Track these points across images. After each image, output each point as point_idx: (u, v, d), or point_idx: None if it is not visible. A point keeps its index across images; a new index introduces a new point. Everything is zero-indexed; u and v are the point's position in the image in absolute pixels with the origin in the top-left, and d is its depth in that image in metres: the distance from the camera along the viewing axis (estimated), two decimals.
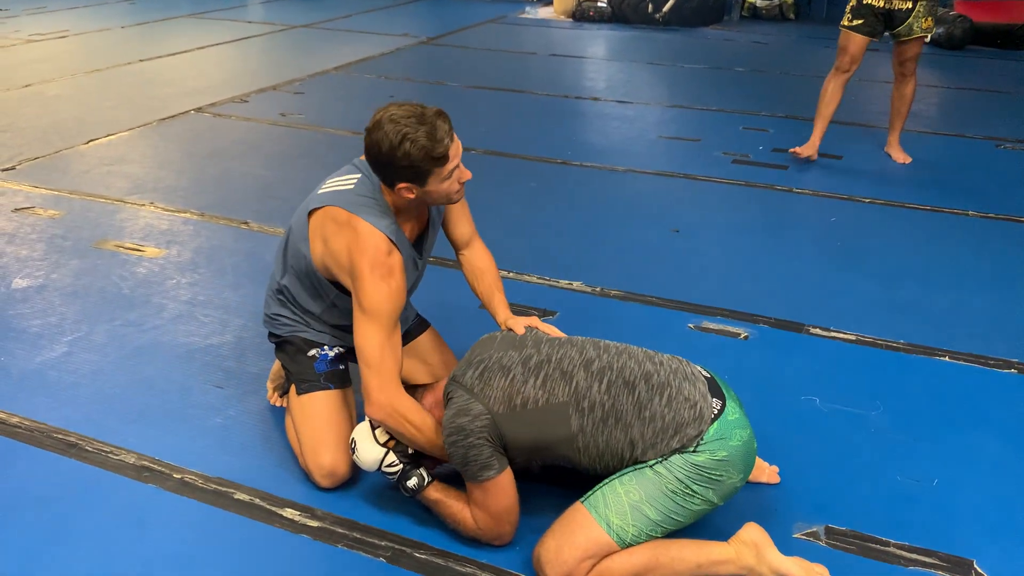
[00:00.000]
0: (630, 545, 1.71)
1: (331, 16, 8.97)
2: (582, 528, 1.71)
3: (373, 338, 1.86)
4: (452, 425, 1.76)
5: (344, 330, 2.13)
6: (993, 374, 2.56)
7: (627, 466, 1.75)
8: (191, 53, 7.04)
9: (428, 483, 1.88)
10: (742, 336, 2.75)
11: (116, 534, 1.90)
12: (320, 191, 2.05)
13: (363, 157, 1.98)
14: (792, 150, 4.37)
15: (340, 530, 1.92)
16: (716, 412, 1.76)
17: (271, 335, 2.24)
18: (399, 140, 1.81)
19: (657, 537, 1.73)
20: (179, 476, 2.07)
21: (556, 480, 2.01)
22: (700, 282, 3.12)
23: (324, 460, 2.01)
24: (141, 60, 6.70)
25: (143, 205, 3.78)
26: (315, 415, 2.07)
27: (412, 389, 2.01)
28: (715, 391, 1.81)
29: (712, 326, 2.81)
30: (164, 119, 5.10)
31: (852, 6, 4.15)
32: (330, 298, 2.09)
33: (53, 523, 1.93)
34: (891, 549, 1.88)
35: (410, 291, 2.16)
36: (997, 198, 3.95)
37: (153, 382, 2.46)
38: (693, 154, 4.60)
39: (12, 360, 2.56)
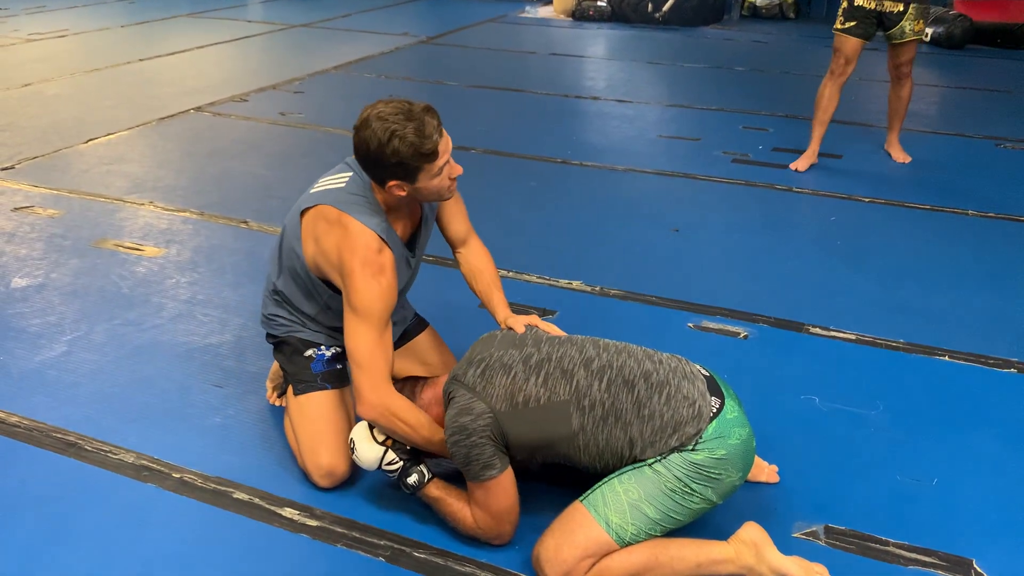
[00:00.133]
0: (629, 544, 1.71)
1: (331, 15, 8.97)
2: (581, 527, 1.71)
3: (364, 337, 1.85)
4: (455, 424, 1.76)
5: (340, 332, 2.11)
6: (993, 373, 2.55)
7: (626, 464, 1.75)
8: (191, 52, 7.04)
9: (428, 480, 1.88)
10: (742, 335, 2.75)
11: (116, 533, 1.90)
12: (312, 190, 2.04)
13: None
14: (792, 166, 4.29)
15: (339, 529, 1.91)
16: (715, 410, 1.76)
17: (269, 335, 2.23)
18: (387, 137, 1.79)
19: (656, 536, 1.73)
20: (178, 475, 2.07)
21: (555, 479, 2.01)
22: (700, 281, 3.12)
23: (323, 460, 2.01)
24: (140, 59, 6.70)
25: (142, 204, 3.78)
26: (313, 415, 2.07)
27: (410, 381, 2.00)
28: (714, 390, 1.81)
29: (712, 325, 2.81)
30: (163, 118, 5.10)
31: (844, 8, 4.14)
32: (323, 299, 2.08)
33: (53, 523, 1.92)
34: (891, 548, 1.88)
35: (404, 290, 2.15)
36: (997, 198, 3.95)
37: (152, 381, 2.46)
38: (693, 153, 4.60)
39: (11, 359, 2.56)
